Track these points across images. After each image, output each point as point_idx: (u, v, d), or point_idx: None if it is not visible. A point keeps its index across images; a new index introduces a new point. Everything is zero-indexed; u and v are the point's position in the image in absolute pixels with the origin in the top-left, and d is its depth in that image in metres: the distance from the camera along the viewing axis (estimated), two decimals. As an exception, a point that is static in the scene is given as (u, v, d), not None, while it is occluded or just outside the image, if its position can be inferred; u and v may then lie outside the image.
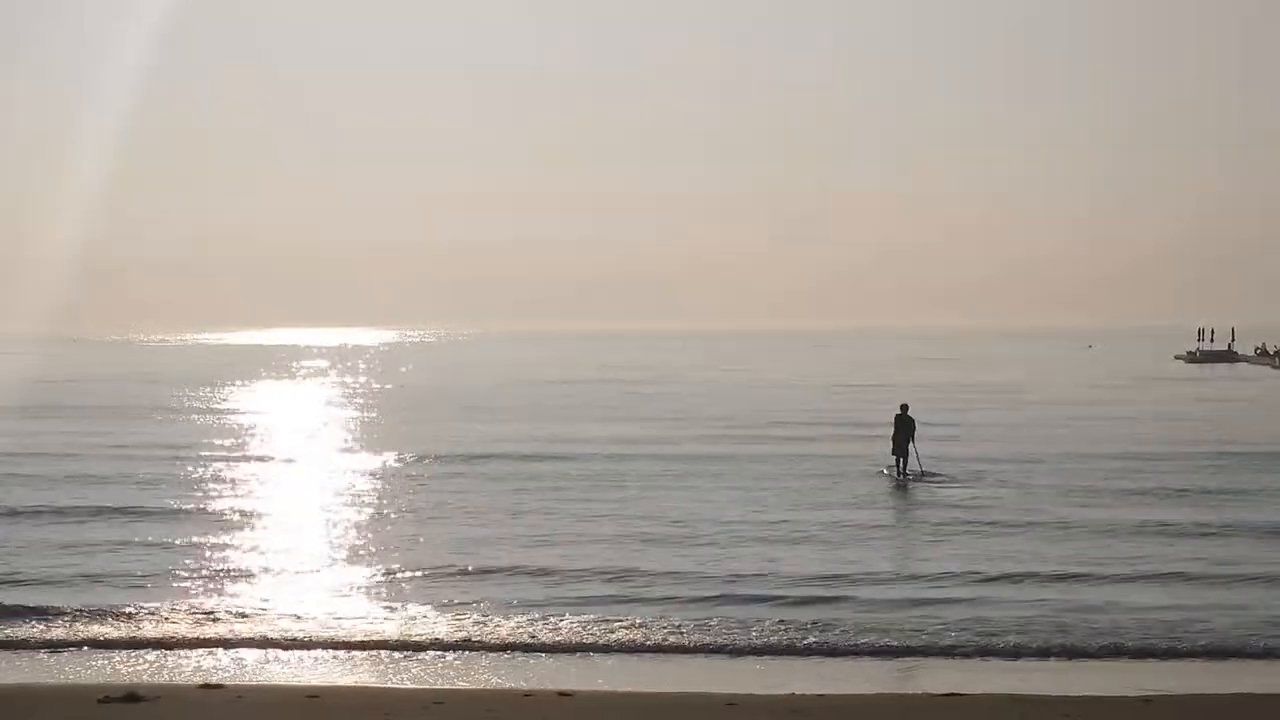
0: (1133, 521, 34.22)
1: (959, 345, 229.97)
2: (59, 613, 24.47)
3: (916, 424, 43.14)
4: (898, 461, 42.72)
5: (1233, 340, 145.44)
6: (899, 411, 43.19)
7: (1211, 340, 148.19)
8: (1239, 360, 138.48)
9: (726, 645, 22.46)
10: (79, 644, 22.69)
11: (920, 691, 19.29)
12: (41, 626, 23.62)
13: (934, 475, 42.53)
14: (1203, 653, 21.95)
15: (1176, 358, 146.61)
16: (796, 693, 18.61)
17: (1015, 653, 21.99)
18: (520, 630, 23.36)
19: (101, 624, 23.75)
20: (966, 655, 21.91)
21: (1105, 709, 18.05)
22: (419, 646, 22.64)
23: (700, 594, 26.00)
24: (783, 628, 23.34)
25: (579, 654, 22.27)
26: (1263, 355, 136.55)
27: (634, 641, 22.78)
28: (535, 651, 22.30)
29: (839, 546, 30.98)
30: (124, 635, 23.11)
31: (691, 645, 22.50)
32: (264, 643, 22.95)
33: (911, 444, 42.62)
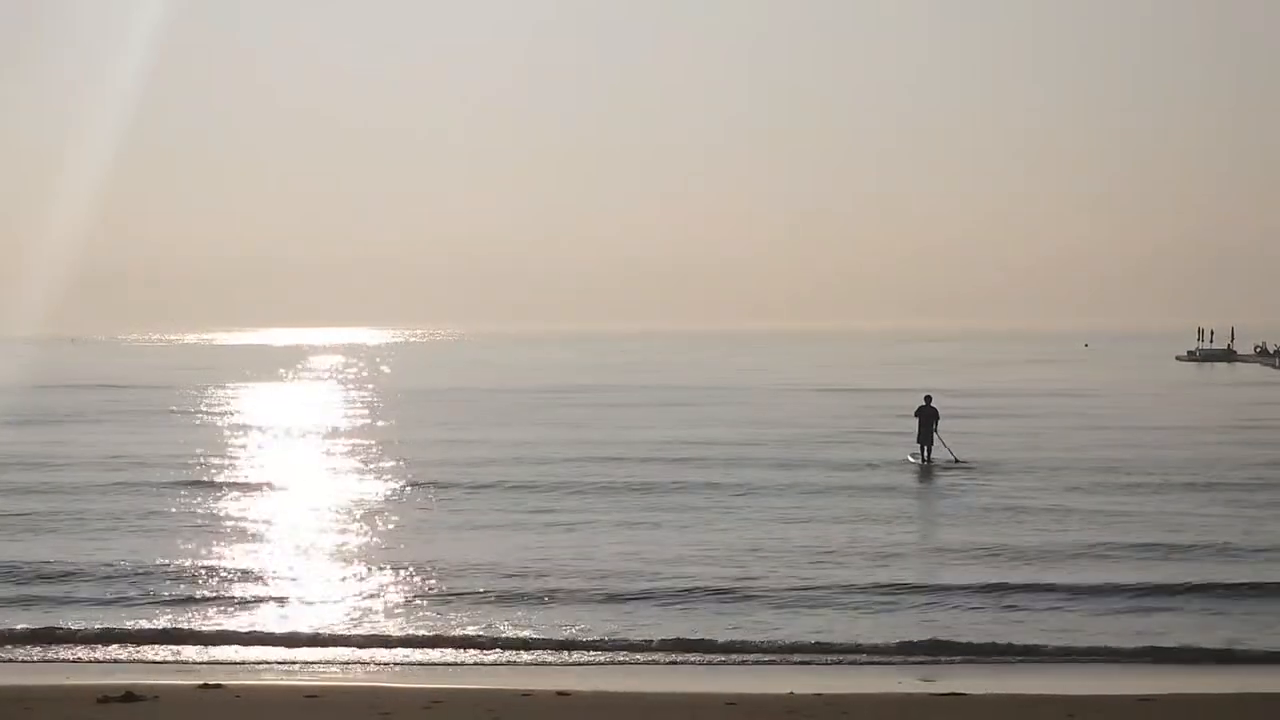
0: (1142, 514, 34.49)
1: (960, 348, 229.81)
2: (57, 614, 24.50)
3: (940, 413, 45.53)
4: (922, 449, 45.09)
5: (1232, 340, 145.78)
6: (923, 403, 45.80)
7: (1211, 340, 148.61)
8: (1238, 360, 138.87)
9: (728, 644, 22.45)
10: (77, 644, 22.70)
11: (920, 691, 19.26)
12: (39, 625, 23.62)
13: (963, 463, 44.41)
14: (1203, 654, 21.92)
15: (1177, 358, 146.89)
16: (795, 692, 18.57)
17: (1019, 652, 21.99)
18: (518, 630, 23.34)
19: (99, 623, 23.73)
20: (970, 658, 21.87)
21: (1106, 709, 18.02)
22: (418, 645, 22.65)
23: (701, 588, 26.00)
24: (783, 629, 23.35)
25: (577, 654, 22.27)
26: (1262, 354, 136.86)
27: (632, 641, 22.77)
28: (533, 650, 22.30)
29: (849, 543, 30.93)
30: (123, 634, 23.10)
31: (689, 644, 22.47)
32: (263, 643, 22.95)
33: (936, 433, 44.95)
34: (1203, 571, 27.62)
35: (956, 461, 44.65)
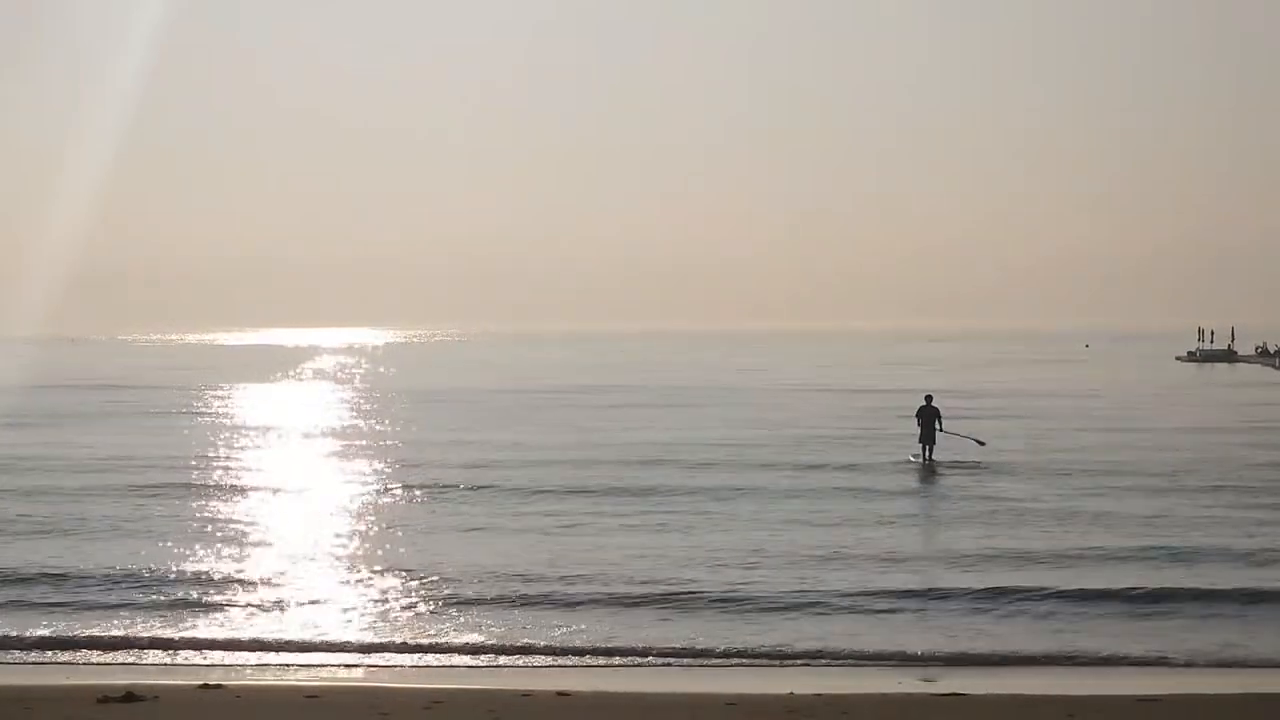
0: (1143, 516, 34.55)
1: (960, 348, 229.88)
2: (58, 616, 24.50)
3: (940, 412, 45.89)
4: (924, 449, 45.21)
5: (1232, 340, 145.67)
6: (924, 403, 46.00)
7: (1211, 340, 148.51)
8: (1238, 360, 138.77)
9: (728, 649, 22.42)
10: (78, 646, 22.70)
11: (921, 691, 19.25)
12: (40, 626, 23.62)
13: (984, 445, 46.19)
14: (1204, 657, 21.89)
15: (1177, 358, 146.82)
16: (795, 692, 18.55)
17: (1020, 661, 21.97)
18: (520, 632, 23.33)
19: (100, 624, 23.74)
20: (973, 660, 21.83)
21: (1106, 709, 18.01)
22: (418, 648, 22.64)
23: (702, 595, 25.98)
24: (784, 630, 23.34)
25: (578, 655, 22.26)
26: (1263, 355, 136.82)
27: (633, 644, 22.75)
28: (534, 654, 22.29)
29: (851, 544, 30.91)
30: (123, 635, 23.11)
31: (690, 649, 22.44)
32: (263, 644, 22.94)
33: (943, 430, 45.26)
34: (1204, 574, 27.57)
35: (981, 444, 46.08)
